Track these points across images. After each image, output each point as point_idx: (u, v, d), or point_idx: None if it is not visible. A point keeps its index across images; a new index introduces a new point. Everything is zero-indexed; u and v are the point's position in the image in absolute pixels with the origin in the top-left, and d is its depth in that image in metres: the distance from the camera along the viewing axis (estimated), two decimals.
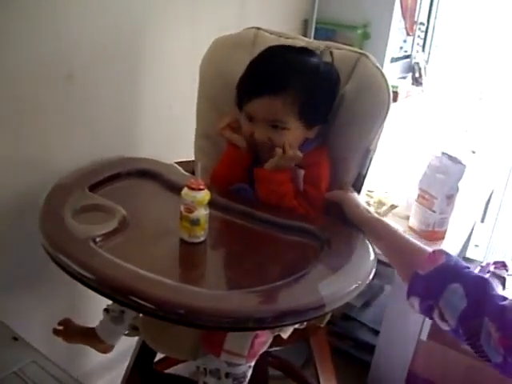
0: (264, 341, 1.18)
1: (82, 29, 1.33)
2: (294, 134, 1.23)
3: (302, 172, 1.26)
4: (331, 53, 1.31)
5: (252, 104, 1.22)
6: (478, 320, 0.94)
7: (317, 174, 1.27)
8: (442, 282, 1.00)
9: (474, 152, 2.70)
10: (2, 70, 1.19)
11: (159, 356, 1.58)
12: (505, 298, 0.95)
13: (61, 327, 1.38)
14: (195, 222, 1.06)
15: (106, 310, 1.35)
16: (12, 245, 1.33)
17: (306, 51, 1.28)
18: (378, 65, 1.30)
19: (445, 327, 1.01)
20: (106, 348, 1.39)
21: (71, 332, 1.39)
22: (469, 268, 1.02)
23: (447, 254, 1.05)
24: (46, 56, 1.28)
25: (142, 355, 1.47)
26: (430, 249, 1.08)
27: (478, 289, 0.97)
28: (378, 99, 1.27)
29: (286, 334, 1.22)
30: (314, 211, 1.25)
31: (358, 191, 1.36)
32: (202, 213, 1.07)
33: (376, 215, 1.22)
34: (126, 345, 1.46)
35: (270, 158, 1.23)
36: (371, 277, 1.05)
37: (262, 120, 1.22)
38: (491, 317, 0.93)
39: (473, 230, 2.50)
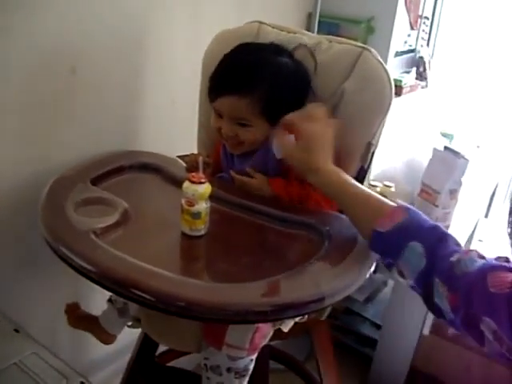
0: (265, 334, 1.19)
1: (85, 23, 1.33)
2: (259, 130, 1.25)
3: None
4: (309, 49, 1.32)
5: (220, 101, 1.24)
6: (430, 279, 0.93)
7: None
8: (401, 240, 0.98)
9: (478, 146, 2.70)
10: (4, 64, 1.19)
11: (162, 349, 1.59)
12: (456, 252, 0.93)
13: (69, 309, 1.40)
14: (196, 216, 1.07)
15: (110, 301, 1.36)
16: (14, 236, 1.33)
17: (276, 49, 1.29)
18: (380, 59, 1.29)
19: (405, 283, 1.00)
20: (108, 338, 1.40)
21: (77, 317, 1.40)
22: (434, 225, 0.99)
23: (410, 211, 1.02)
24: (49, 50, 1.28)
25: (145, 348, 1.48)
26: (394, 204, 1.04)
27: (434, 246, 0.95)
28: (380, 93, 1.27)
29: (286, 327, 1.23)
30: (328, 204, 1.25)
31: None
32: (203, 206, 1.07)
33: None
34: (128, 337, 1.47)
35: (237, 150, 1.28)
36: (372, 271, 1.05)
37: (228, 117, 1.24)
38: (441, 276, 0.92)
39: (477, 225, 2.49)
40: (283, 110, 1.20)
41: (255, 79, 1.22)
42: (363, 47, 1.31)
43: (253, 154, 1.29)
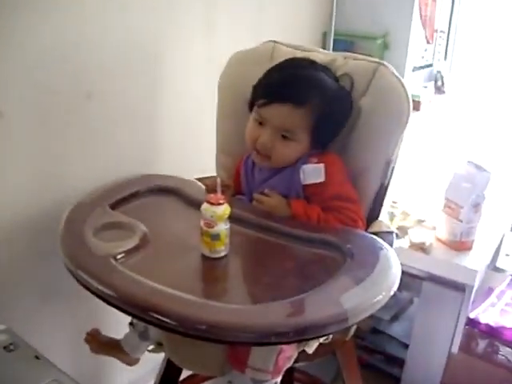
0: (289, 356, 1.16)
1: (99, 49, 1.35)
2: (298, 147, 1.24)
3: (321, 166, 1.23)
4: (351, 79, 1.31)
5: (270, 108, 1.22)
6: None
7: (337, 187, 1.26)
8: None
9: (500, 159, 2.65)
10: (20, 91, 1.21)
11: (186, 373, 1.57)
12: None
13: (89, 337, 1.39)
14: (216, 237, 1.06)
15: (131, 324, 1.35)
16: (35, 263, 1.34)
17: (327, 70, 1.29)
18: (397, 74, 1.28)
19: None
20: (131, 360, 1.39)
21: (98, 343, 1.39)
22: None
23: None
24: (66, 76, 1.29)
25: (168, 373, 1.46)
26: None
27: None
28: (398, 109, 1.26)
29: (311, 348, 1.20)
30: (362, 223, 1.25)
31: (381, 202, 1.35)
32: (223, 227, 1.06)
33: None
34: (151, 363, 1.46)
35: (265, 163, 1.27)
36: (395, 289, 1.02)
37: (274, 126, 1.22)
38: None
39: (503, 239, 2.45)
40: (329, 132, 1.23)
41: (311, 93, 1.22)
42: (379, 62, 1.30)
43: (275, 175, 1.29)
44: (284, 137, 1.22)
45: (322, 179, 1.24)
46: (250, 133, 1.27)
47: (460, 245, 1.79)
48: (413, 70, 2.36)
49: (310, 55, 1.35)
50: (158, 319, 0.90)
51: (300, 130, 1.22)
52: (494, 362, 1.88)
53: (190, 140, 1.69)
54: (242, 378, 1.14)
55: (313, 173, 1.24)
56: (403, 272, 1.09)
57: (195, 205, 1.20)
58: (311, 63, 1.30)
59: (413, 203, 1.91)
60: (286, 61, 1.31)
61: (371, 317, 0.98)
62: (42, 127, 1.28)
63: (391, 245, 1.24)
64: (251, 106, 1.29)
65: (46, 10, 1.23)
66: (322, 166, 1.23)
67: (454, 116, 2.74)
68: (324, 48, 2.18)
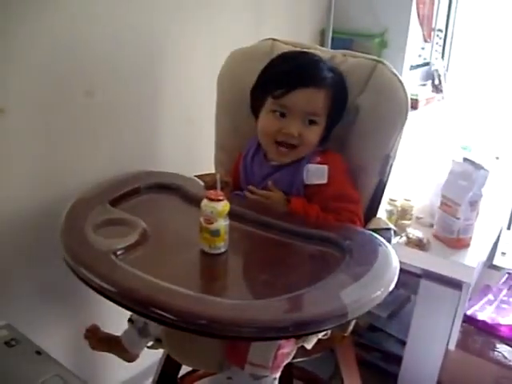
0: (288, 352, 1.17)
1: (101, 47, 1.35)
2: (319, 132, 1.26)
3: (325, 168, 1.25)
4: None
5: (292, 96, 1.22)
6: None
7: (338, 187, 1.26)
8: None
9: (497, 158, 2.66)
10: (19, 88, 1.21)
11: (185, 369, 1.58)
12: None
13: (89, 333, 1.39)
14: (215, 233, 1.06)
15: (131, 321, 1.36)
16: (35, 258, 1.34)
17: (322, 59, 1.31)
18: (395, 71, 1.29)
19: None
20: (130, 357, 1.39)
21: (98, 339, 1.39)
22: None
23: None
24: (65, 75, 1.30)
25: (167, 369, 1.47)
26: None
27: None
28: (396, 106, 1.27)
29: (309, 344, 1.21)
30: (360, 223, 1.26)
31: (379, 199, 1.36)
32: (222, 224, 1.07)
33: None
34: (151, 358, 1.46)
35: (287, 157, 1.27)
36: (393, 285, 1.03)
37: (299, 113, 1.23)
38: None
39: (499, 236, 2.46)
40: (341, 112, 1.28)
41: (326, 74, 1.25)
42: (377, 60, 1.31)
43: (277, 171, 1.29)
44: (310, 122, 1.24)
45: (324, 181, 1.25)
46: (270, 127, 1.26)
47: (457, 242, 1.80)
48: (410, 69, 2.37)
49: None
50: (159, 314, 0.90)
51: (323, 112, 1.24)
52: (491, 359, 1.89)
53: (190, 137, 1.69)
54: (241, 373, 1.14)
55: (316, 173, 1.25)
56: (401, 269, 1.10)
57: (195, 201, 1.21)
58: (306, 53, 1.33)
59: (411, 200, 1.91)
60: (284, 53, 1.33)
61: (369, 314, 0.99)
62: (43, 124, 1.29)
63: (389, 241, 1.24)
64: (256, 105, 1.30)
65: (49, 8, 1.23)
66: (325, 167, 1.24)
67: (452, 114, 2.76)
68: (322, 46, 2.18)
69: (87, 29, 1.32)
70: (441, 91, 2.56)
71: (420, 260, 1.81)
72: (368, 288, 1.00)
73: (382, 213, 1.41)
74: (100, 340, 1.39)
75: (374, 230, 1.25)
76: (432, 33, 2.52)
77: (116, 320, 1.33)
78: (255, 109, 1.31)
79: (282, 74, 1.26)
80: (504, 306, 2.06)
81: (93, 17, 1.33)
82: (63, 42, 1.27)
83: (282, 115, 1.24)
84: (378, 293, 0.99)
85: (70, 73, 1.31)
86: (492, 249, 2.26)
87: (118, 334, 1.39)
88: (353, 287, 0.99)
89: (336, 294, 0.95)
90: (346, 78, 1.30)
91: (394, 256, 1.11)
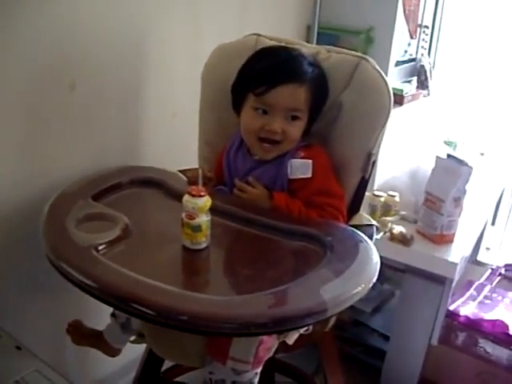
0: (269, 347, 1.17)
1: (84, 38, 1.34)
2: (302, 127, 1.26)
3: (309, 162, 1.25)
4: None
5: (275, 93, 1.22)
6: None
7: (322, 182, 1.27)
8: None
9: (482, 154, 2.68)
10: (2, 79, 1.20)
11: (168, 364, 1.58)
12: None
13: (71, 328, 1.39)
14: (197, 229, 1.07)
15: (113, 315, 1.36)
16: (17, 253, 1.33)
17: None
18: (378, 68, 1.29)
19: None
20: (113, 351, 1.39)
21: (80, 334, 1.39)
22: None
23: None
24: (48, 66, 1.29)
25: (150, 363, 1.47)
26: None
27: None
28: (379, 103, 1.28)
29: (291, 339, 1.22)
30: (343, 218, 1.27)
31: (362, 195, 1.36)
32: (204, 219, 1.07)
33: None
34: (133, 353, 1.46)
35: (270, 154, 1.27)
36: (374, 281, 1.04)
37: (281, 110, 1.23)
38: None
39: (483, 232, 2.48)
40: (320, 108, 1.28)
41: (307, 69, 1.25)
42: (361, 57, 1.31)
43: (260, 166, 1.30)
44: (293, 118, 1.24)
45: (308, 175, 1.25)
46: (252, 124, 1.26)
47: (441, 238, 1.81)
48: (396, 65, 2.38)
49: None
50: (140, 310, 0.90)
51: (305, 107, 1.24)
52: (473, 354, 1.91)
53: (174, 132, 1.69)
54: (223, 368, 1.15)
55: (300, 168, 1.25)
56: (385, 265, 1.10)
57: (177, 197, 1.21)
58: (285, 47, 1.33)
59: (395, 196, 1.92)
60: (263, 49, 1.32)
61: (353, 308, 0.99)
62: (26, 118, 1.28)
63: (371, 238, 1.25)
64: (237, 102, 1.29)
65: (32, 1, 1.22)
66: (310, 162, 1.25)
67: (437, 110, 2.77)
68: (308, 41, 2.18)
69: (71, 20, 1.30)
70: (427, 87, 2.57)
71: (404, 255, 1.82)
72: (348, 284, 1.00)
73: (365, 208, 1.41)
74: (82, 335, 1.39)
75: (356, 227, 1.26)
76: (418, 29, 2.53)
77: (98, 315, 1.33)
78: (236, 105, 1.31)
79: (263, 71, 1.25)
80: (487, 301, 2.07)
81: (76, 8, 1.31)
82: (47, 33, 1.26)
83: (265, 112, 1.24)
84: (359, 289, 1.00)
85: (53, 65, 1.30)
86: (476, 245, 2.28)
87: (101, 328, 1.39)
88: (333, 283, 1.00)
89: (316, 290, 0.96)
90: (328, 73, 1.30)
91: (375, 252, 1.12)
